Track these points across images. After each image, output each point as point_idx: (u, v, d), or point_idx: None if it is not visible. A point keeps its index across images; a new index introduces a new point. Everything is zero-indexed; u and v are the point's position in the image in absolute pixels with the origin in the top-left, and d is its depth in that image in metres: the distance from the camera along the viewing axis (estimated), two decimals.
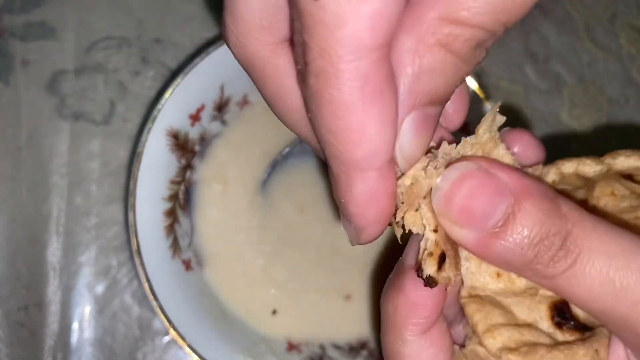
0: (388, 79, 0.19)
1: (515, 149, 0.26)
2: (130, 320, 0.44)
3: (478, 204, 0.21)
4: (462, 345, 0.26)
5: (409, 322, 0.23)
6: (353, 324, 0.43)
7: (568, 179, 0.27)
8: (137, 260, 0.37)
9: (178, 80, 0.39)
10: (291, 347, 0.42)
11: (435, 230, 0.22)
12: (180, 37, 0.47)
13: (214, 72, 0.40)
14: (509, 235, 0.21)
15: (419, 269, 0.22)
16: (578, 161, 0.27)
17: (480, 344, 0.24)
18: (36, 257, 0.44)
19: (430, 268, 0.22)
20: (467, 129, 0.35)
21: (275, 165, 0.44)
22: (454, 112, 0.26)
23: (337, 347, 0.42)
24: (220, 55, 0.40)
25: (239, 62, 0.23)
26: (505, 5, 0.19)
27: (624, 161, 0.27)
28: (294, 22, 0.20)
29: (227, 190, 0.43)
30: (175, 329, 0.37)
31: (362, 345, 0.43)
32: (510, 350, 0.23)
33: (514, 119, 0.49)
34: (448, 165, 0.22)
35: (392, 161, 0.21)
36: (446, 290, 0.23)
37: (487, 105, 0.41)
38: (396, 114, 0.20)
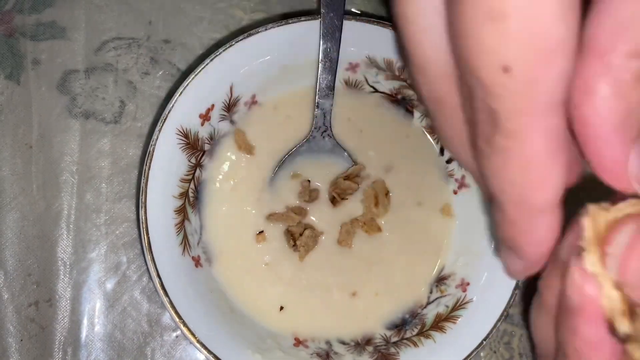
0: (566, 128, 0.21)
1: None
2: (139, 316, 0.44)
3: None
4: None
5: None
6: (359, 320, 0.44)
7: None
8: (148, 257, 0.38)
9: (189, 80, 0.40)
10: (298, 342, 0.43)
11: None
12: (189, 38, 0.47)
13: (223, 72, 0.41)
14: None
15: (611, 327, 0.21)
16: None
17: None
18: (47, 254, 0.45)
19: (624, 327, 0.21)
20: None
21: (283, 163, 0.44)
22: None
23: (343, 342, 0.43)
24: (230, 56, 0.40)
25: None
26: None
27: None
28: (470, 89, 0.21)
29: (236, 188, 0.44)
30: (185, 324, 0.38)
31: (368, 341, 0.43)
32: None
33: None
34: None
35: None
36: None
37: None
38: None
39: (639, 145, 0.21)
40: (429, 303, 0.44)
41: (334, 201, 0.44)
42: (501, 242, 0.25)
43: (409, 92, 0.45)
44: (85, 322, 0.44)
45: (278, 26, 0.41)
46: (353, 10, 0.48)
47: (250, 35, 0.40)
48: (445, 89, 0.24)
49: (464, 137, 0.25)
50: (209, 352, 0.38)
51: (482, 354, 0.45)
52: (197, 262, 0.41)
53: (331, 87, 0.43)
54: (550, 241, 0.23)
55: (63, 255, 0.45)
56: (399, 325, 0.44)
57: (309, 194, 0.44)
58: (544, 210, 0.22)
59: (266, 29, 0.41)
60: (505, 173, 0.22)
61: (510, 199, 0.22)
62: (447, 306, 0.43)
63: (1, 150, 0.45)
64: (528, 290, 0.43)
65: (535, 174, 0.21)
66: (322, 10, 0.41)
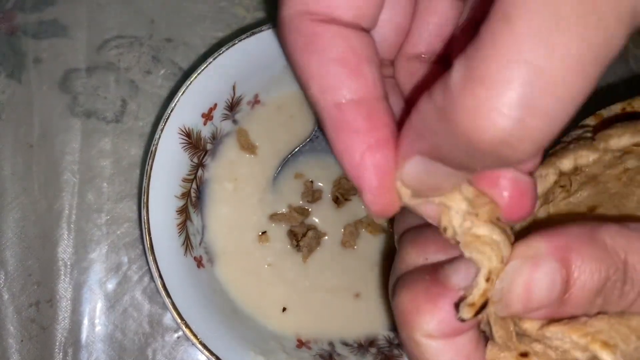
0: (322, 31, 0.23)
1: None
2: (140, 316, 0.44)
3: (536, 292, 0.22)
4: None
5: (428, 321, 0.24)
6: (362, 321, 0.43)
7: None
8: (150, 257, 0.38)
9: (191, 79, 0.39)
10: (301, 344, 0.42)
11: (488, 280, 0.22)
12: (191, 36, 0.47)
13: (226, 71, 0.40)
14: (574, 298, 0.21)
15: (456, 306, 0.23)
16: (574, 155, 0.27)
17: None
18: (47, 254, 0.44)
19: (466, 315, 0.22)
20: None
21: (285, 163, 0.44)
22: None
23: (346, 344, 0.43)
24: (232, 54, 0.40)
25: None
26: None
27: (618, 142, 0.27)
28: None
29: (238, 188, 0.44)
30: (187, 325, 0.38)
31: (371, 343, 0.43)
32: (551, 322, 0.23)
33: None
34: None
35: (362, 100, 0.22)
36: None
37: None
38: (344, 55, 0.23)
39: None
40: None
41: (337, 201, 0.44)
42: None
43: None
44: (86, 322, 0.44)
45: None
46: None
47: (253, 34, 0.40)
48: None
49: None
50: (211, 353, 0.38)
51: None
52: (199, 262, 0.41)
53: None
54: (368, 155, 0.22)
55: (64, 256, 0.44)
56: None
57: (312, 194, 0.44)
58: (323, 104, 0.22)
59: (269, 28, 0.40)
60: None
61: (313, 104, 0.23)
62: None
63: (2, 150, 0.45)
64: None
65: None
66: None
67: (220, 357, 0.38)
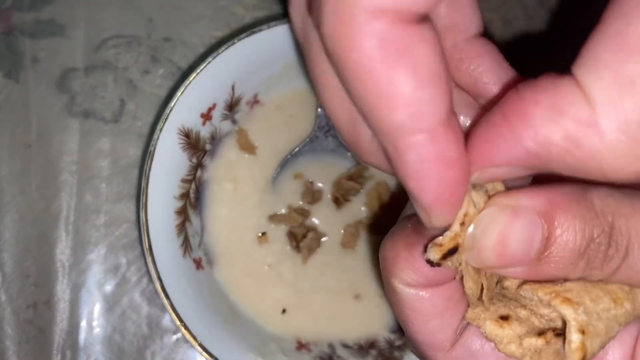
0: (417, 38, 0.18)
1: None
2: (139, 318, 0.44)
3: (513, 246, 0.20)
4: None
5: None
6: (362, 323, 0.43)
7: None
8: (148, 259, 0.37)
9: (190, 79, 0.39)
10: (301, 346, 0.42)
11: (462, 224, 0.21)
12: (189, 36, 0.47)
13: (225, 71, 0.40)
14: (554, 257, 0.20)
15: (425, 249, 0.22)
16: None
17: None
18: (45, 255, 0.44)
19: (433, 255, 0.21)
20: None
21: (285, 164, 0.44)
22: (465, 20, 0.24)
23: (346, 346, 0.43)
24: (231, 54, 0.40)
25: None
26: None
27: None
28: None
29: (237, 189, 0.43)
30: (186, 327, 0.37)
31: (371, 345, 0.43)
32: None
33: None
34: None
35: (449, 121, 0.19)
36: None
37: None
38: (439, 71, 0.18)
39: None
40: None
41: (337, 202, 0.44)
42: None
43: None
44: (84, 324, 0.43)
45: (280, 24, 0.40)
46: None
47: (252, 33, 0.40)
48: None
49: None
50: (211, 355, 0.38)
51: None
52: (198, 264, 0.41)
53: None
54: (434, 170, 0.19)
55: (62, 257, 0.44)
56: None
57: (312, 194, 0.43)
58: (408, 132, 0.18)
59: (269, 27, 0.40)
60: (351, 90, 0.19)
61: (373, 126, 0.19)
62: None
63: None
64: None
65: (373, 88, 0.18)
66: None
67: (220, 359, 0.38)
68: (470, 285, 0.22)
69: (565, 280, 0.21)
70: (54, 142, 0.45)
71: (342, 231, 0.44)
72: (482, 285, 0.22)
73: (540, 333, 0.23)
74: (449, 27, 0.24)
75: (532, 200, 0.20)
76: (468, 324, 0.24)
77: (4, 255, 0.44)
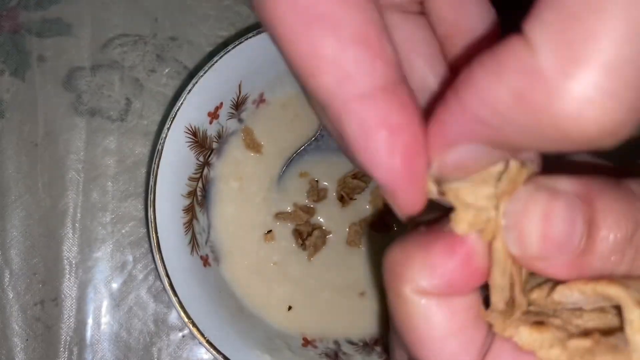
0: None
1: None
2: (145, 315, 0.44)
3: (555, 227, 0.18)
4: None
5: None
6: (367, 320, 0.43)
7: None
8: (157, 257, 0.38)
9: (198, 77, 0.39)
10: (306, 342, 0.42)
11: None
12: (195, 35, 0.47)
13: (232, 70, 0.40)
14: (600, 244, 0.18)
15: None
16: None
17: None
18: (52, 253, 0.44)
19: (459, 224, 0.18)
20: None
21: (290, 162, 0.44)
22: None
23: (351, 343, 0.43)
24: (238, 53, 0.40)
25: None
26: None
27: None
28: None
29: (243, 187, 0.44)
30: (194, 324, 0.38)
31: (376, 342, 0.43)
32: None
33: None
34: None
35: (393, 88, 0.18)
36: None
37: None
38: (367, 32, 0.17)
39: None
40: None
41: (342, 200, 0.44)
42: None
43: None
44: (91, 321, 0.44)
45: None
46: None
47: (259, 32, 0.40)
48: None
49: None
50: (218, 352, 0.38)
51: None
52: (205, 261, 0.41)
53: None
54: (377, 140, 0.17)
55: (69, 254, 0.44)
56: None
57: (317, 193, 0.44)
58: (343, 95, 0.17)
59: None
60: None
61: (305, 84, 0.18)
62: None
63: (6, 148, 0.45)
64: None
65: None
66: None
67: (226, 355, 0.38)
68: (498, 278, 0.19)
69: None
70: (60, 141, 0.45)
71: (347, 229, 0.44)
72: (511, 279, 0.19)
73: (585, 334, 0.19)
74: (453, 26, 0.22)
75: (569, 183, 0.18)
76: (492, 341, 0.20)
77: (11, 252, 0.44)
